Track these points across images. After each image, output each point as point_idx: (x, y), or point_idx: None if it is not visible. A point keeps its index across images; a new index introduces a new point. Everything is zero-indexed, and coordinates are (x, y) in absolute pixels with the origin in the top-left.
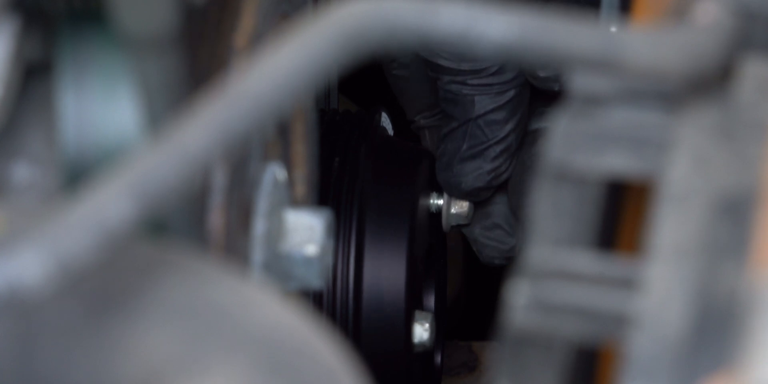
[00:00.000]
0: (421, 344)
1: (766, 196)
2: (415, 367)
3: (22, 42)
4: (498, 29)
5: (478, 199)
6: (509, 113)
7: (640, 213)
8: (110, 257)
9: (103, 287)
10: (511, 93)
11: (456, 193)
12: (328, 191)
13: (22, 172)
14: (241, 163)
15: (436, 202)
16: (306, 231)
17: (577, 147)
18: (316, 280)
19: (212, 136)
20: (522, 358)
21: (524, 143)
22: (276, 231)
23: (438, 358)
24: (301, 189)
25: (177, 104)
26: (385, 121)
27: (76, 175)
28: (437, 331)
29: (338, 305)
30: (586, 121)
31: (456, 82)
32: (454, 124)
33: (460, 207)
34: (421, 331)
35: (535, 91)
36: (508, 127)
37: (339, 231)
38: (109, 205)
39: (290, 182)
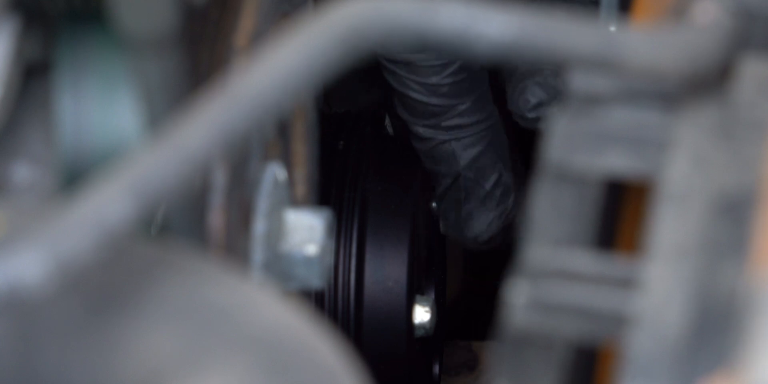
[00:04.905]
0: (422, 326)
1: (766, 195)
2: (415, 354)
3: (23, 42)
4: (497, 28)
5: (497, 243)
6: (493, 156)
7: (640, 213)
8: (110, 257)
9: (103, 287)
10: (487, 139)
11: (474, 246)
12: (330, 190)
13: (22, 172)
14: (241, 163)
15: (435, 205)
16: (306, 231)
17: (577, 147)
18: (316, 280)
19: (212, 135)
20: (522, 357)
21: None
22: (276, 231)
23: (438, 356)
24: (301, 189)
25: (177, 104)
26: (386, 121)
27: (74, 175)
28: (437, 330)
29: (340, 286)
30: (586, 120)
31: (429, 125)
32: (446, 182)
33: None
34: (422, 313)
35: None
36: (498, 168)
37: (341, 224)
38: (108, 205)
39: (290, 182)
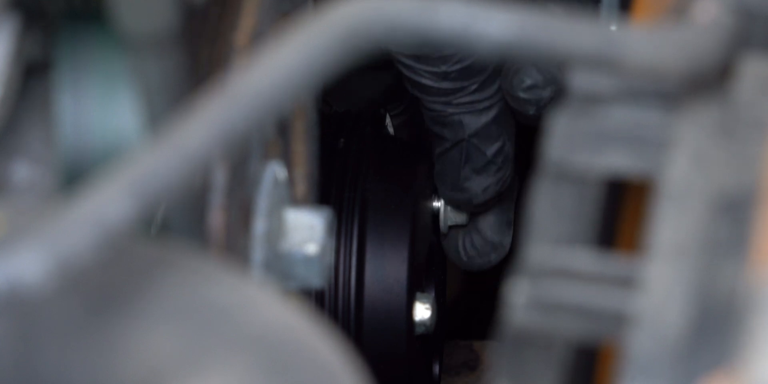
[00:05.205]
0: (422, 324)
1: (766, 194)
2: (416, 352)
3: (23, 41)
4: (497, 27)
5: (488, 209)
6: (499, 126)
7: (640, 212)
8: (110, 256)
9: (103, 286)
10: (496, 108)
11: (465, 208)
12: (330, 189)
13: (22, 171)
14: (241, 163)
15: (434, 204)
16: (306, 230)
17: (577, 146)
18: (316, 279)
19: (212, 134)
20: (522, 357)
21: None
22: (276, 230)
23: (438, 355)
24: (301, 188)
25: (177, 103)
26: (387, 120)
27: (74, 174)
28: (438, 329)
29: (341, 284)
30: (586, 119)
31: (439, 102)
32: (446, 145)
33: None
34: (423, 310)
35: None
36: (503, 138)
37: (342, 222)
38: (109, 204)
39: (290, 181)
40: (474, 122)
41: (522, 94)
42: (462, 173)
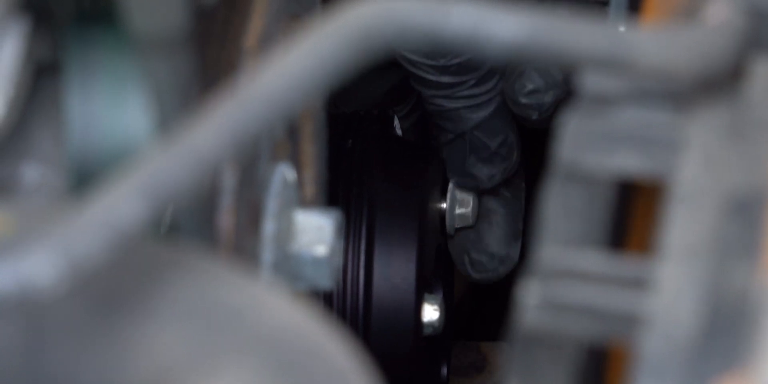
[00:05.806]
0: (430, 324)
1: None
2: (423, 353)
3: (32, 43)
4: (508, 29)
5: (497, 191)
6: (500, 120)
7: (651, 213)
8: (121, 257)
9: (113, 287)
10: (495, 103)
11: (473, 190)
12: (338, 189)
13: (32, 173)
14: (250, 164)
15: (440, 205)
16: (315, 231)
17: (587, 147)
18: (325, 281)
19: (223, 137)
20: (532, 357)
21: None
22: (285, 231)
23: (446, 356)
24: (310, 189)
25: (187, 105)
26: (395, 122)
27: (83, 176)
28: (446, 330)
29: (349, 285)
30: (596, 120)
31: (439, 96)
32: (450, 136)
33: (463, 208)
34: (431, 311)
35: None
36: (505, 130)
37: (350, 223)
38: (120, 206)
39: (299, 183)
40: (474, 116)
41: (523, 99)
42: (468, 161)
